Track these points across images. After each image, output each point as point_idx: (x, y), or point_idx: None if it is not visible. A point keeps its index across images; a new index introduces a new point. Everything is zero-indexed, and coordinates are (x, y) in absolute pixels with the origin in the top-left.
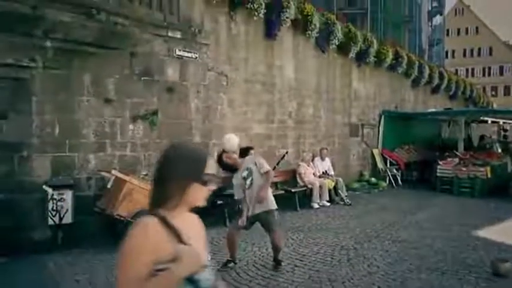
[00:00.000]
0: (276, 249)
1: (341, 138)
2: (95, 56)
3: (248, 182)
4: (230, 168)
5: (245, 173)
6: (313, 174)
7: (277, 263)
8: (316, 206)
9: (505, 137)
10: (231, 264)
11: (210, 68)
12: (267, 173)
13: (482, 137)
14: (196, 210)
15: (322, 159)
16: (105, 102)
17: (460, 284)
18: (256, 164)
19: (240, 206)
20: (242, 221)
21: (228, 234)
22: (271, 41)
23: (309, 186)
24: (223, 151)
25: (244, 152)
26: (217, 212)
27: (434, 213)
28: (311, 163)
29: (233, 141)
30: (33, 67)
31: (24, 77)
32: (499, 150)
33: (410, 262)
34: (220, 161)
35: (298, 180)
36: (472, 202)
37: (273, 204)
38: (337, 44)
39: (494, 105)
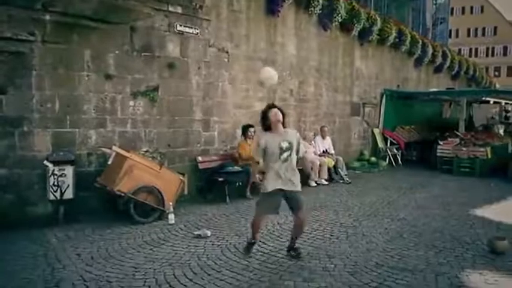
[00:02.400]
0: (298, 230)
1: (342, 117)
2: (94, 31)
3: (285, 155)
4: (269, 127)
5: (285, 144)
6: (314, 153)
7: (296, 252)
8: (313, 184)
9: (506, 117)
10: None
11: (211, 44)
12: (302, 157)
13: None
14: (198, 187)
15: (323, 137)
16: (106, 78)
17: (457, 261)
18: (299, 143)
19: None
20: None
21: (255, 219)
22: (273, 18)
23: (309, 164)
24: (270, 106)
25: (244, 129)
26: (218, 189)
27: (433, 192)
28: (312, 142)
29: (273, 76)
30: (32, 41)
31: (23, 51)
32: (501, 131)
33: (408, 240)
34: (265, 116)
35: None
36: (471, 182)
37: (300, 187)
38: (340, 21)
39: (497, 86)
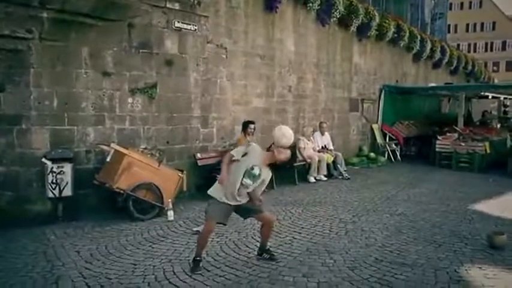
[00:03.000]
0: (265, 231)
1: (341, 113)
2: (92, 28)
3: (258, 181)
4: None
5: (257, 171)
6: (313, 149)
7: (268, 253)
8: (312, 180)
9: (505, 112)
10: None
11: (209, 41)
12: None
13: (484, 113)
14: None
15: (322, 133)
16: (104, 75)
17: (456, 256)
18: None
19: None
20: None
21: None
22: (271, 14)
23: (308, 160)
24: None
25: (245, 125)
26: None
27: (432, 187)
28: (311, 138)
29: (290, 136)
30: (30, 38)
31: (20, 48)
32: (498, 126)
33: (407, 235)
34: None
35: (298, 154)
36: (470, 177)
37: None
38: (338, 17)
39: (496, 81)
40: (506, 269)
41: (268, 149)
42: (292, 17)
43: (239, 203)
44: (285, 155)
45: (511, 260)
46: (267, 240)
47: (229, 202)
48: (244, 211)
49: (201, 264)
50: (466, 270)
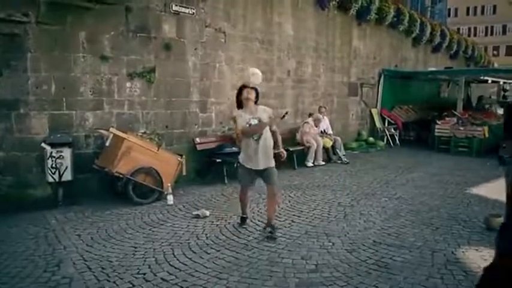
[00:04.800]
0: (270, 205)
1: (340, 97)
2: (89, 12)
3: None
4: (240, 105)
5: (254, 122)
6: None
7: (271, 228)
8: (310, 164)
9: (504, 97)
10: (248, 220)
11: (208, 25)
12: (274, 132)
13: (480, 98)
14: (196, 168)
15: (316, 125)
16: (102, 60)
17: (454, 238)
18: (270, 118)
19: (238, 162)
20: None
21: (240, 194)
22: None
23: (307, 144)
24: (244, 85)
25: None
26: (216, 169)
27: (430, 171)
28: (321, 123)
29: (258, 75)
30: (26, 22)
31: (17, 32)
32: (498, 111)
33: (405, 218)
34: (239, 94)
35: (298, 137)
36: (468, 161)
37: (273, 162)
38: (337, 0)
39: (495, 65)
40: None
41: (240, 90)
42: (291, 0)
43: (258, 168)
44: (251, 96)
45: None
46: (271, 215)
47: (250, 167)
48: (265, 177)
49: (247, 221)
50: (463, 252)
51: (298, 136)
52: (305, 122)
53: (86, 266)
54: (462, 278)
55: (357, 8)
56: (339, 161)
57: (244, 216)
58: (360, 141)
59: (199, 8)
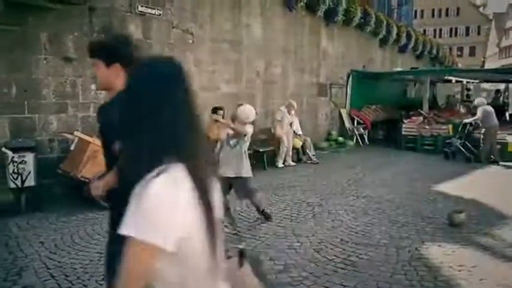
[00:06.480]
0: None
1: (309, 98)
2: (51, 12)
3: (232, 142)
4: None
5: (233, 141)
6: (290, 124)
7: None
8: (280, 165)
9: (468, 96)
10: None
11: (175, 26)
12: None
13: (448, 97)
14: None
15: (289, 113)
16: (65, 61)
17: (418, 235)
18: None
19: None
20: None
21: None
22: None
23: (277, 135)
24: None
25: (213, 112)
26: None
27: (398, 170)
28: (290, 113)
29: (249, 111)
30: None
31: None
32: (462, 110)
33: (372, 216)
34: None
35: (272, 127)
36: (434, 159)
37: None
38: (305, 1)
39: (459, 66)
40: (463, 245)
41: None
42: (259, 1)
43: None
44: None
45: (468, 236)
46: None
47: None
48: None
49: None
50: (426, 248)
51: (272, 127)
52: (279, 109)
53: (48, 274)
54: (425, 274)
55: (324, 9)
56: (309, 161)
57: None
58: (330, 141)
59: (166, 9)
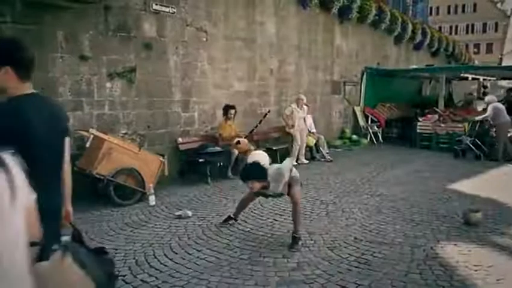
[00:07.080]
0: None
1: (323, 95)
2: (67, 11)
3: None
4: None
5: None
6: (304, 119)
7: (293, 239)
8: (294, 163)
9: (484, 93)
10: (231, 222)
11: (189, 24)
12: None
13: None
14: (179, 169)
15: (299, 106)
16: (81, 59)
17: (433, 234)
18: None
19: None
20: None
21: (244, 196)
22: None
23: (287, 129)
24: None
25: (225, 110)
26: (199, 169)
27: (412, 168)
28: (303, 107)
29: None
30: (2, 22)
31: None
32: (478, 108)
33: (386, 214)
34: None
35: (283, 121)
36: (449, 157)
37: None
38: None
39: (476, 63)
40: (479, 245)
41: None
42: None
43: None
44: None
45: (484, 236)
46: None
47: None
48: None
49: (231, 221)
50: (441, 247)
51: (283, 120)
52: (289, 105)
53: None
54: (440, 273)
55: (338, 7)
56: (322, 159)
57: (233, 217)
58: (343, 139)
59: (180, 7)
